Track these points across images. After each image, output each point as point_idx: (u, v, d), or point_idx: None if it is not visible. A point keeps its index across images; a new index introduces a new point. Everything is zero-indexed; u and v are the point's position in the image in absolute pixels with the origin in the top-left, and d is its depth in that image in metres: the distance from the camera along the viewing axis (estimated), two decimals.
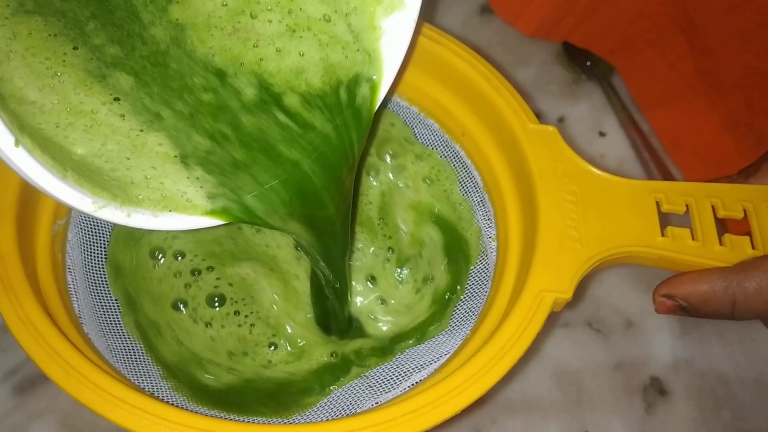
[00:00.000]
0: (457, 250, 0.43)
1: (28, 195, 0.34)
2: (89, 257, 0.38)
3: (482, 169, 0.42)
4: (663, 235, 0.36)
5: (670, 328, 0.50)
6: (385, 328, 0.44)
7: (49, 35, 0.30)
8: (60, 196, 0.27)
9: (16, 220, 0.33)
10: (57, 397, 0.43)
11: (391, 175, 0.45)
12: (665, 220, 0.37)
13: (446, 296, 0.42)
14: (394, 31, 0.34)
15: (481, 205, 0.42)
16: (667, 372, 0.48)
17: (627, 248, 0.36)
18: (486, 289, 0.39)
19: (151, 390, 0.34)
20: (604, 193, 0.38)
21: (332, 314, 0.41)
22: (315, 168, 0.32)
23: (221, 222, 0.31)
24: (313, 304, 0.42)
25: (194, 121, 0.31)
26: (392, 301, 0.45)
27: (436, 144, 0.44)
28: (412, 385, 0.36)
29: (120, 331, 0.37)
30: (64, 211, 0.37)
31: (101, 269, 0.38)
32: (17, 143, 0.24)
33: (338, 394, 0.37)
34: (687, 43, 0.59)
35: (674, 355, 0.49)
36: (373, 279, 0.45)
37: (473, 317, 0.38)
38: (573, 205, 0.37)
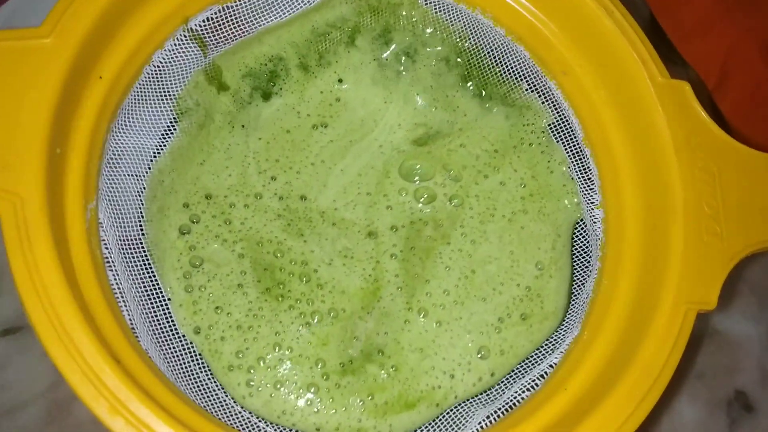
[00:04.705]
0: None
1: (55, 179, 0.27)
2: (125, 239, 0.31)
3: (585, 117, 0.35)
4: None
5: (758, 337, 0.45)
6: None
7: None
8: None
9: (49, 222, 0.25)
10: None
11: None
12: None
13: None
14: None
15: (578, 158, 0.36)
16: (754, 386, 0.44)
17: None
18: (591, 270, 0.34)
19: (209, 409, 0.29)
20: (746, 172, 0.31)
21: None
22: None
23: None
24: None
25: None
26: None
27: (522, 76, 0.37)
28: (524, 391, 0.31)
29: (173, 331, 0.31)
30: (92, 191, 0.29)
31: (142, 252, 0.32)
32: None
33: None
34: None
35: (762, 368, 0.45)
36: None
37: (579, 306, 0.33)
38: (709, 186, 0.31)
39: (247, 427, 0.30)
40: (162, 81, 0.33)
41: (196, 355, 0.31)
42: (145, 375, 0.25)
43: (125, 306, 0.28)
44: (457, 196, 0.36)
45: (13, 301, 0.38)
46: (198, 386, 0.30)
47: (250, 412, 0.30)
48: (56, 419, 0.36)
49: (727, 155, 0.31)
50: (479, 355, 0.33)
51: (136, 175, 0.32)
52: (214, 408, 0.29)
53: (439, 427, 0.31)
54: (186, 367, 0.30)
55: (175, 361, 0.30)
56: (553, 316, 0.34)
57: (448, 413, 0.31)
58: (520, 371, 0.32)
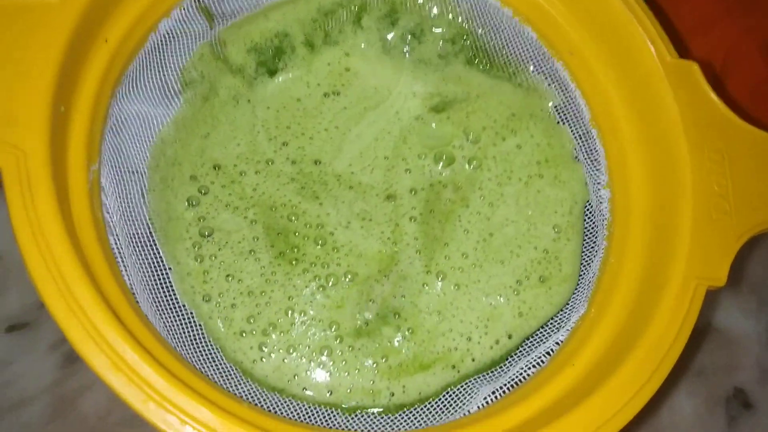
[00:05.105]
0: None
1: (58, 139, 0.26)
2: (127, 206, 0.30)
3: (591, 98, 0.34)
4: None
5: (757, 336, 0.45)
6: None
7: None
8: None
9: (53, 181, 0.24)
10: None
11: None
12: None
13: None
14: None
15: (585, 140, 0.35)
16: (753, 384, 0.43)
17: None
18: (597, 250, 0.34)
19: (212, 376, 0.29)
20: (756, 153, 0.31)
21: None
22: None
23: None
24: None
25: None
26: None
27: (529, 58, 0.36)
28: (530, 368, 0.30)
29: (174, 299, 0.31)
30: (95, 154, 0.29)
31: (144, 220, 0.31)
32: None
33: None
34: None
35: (761, 366, 0.44)
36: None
37: (585, 285, 0.33)
38: (719, 166, 0.30)
39: (245, 393, 0.29)
40: (167, 50, 0.32)
41: (196, 326, 0.30)
42: (144, 337, 0.25)
43: (125, 270, 0.27)
44: (475, 158, 0.36)
45: (18, 297, 0.38)
46: (197, 353, 0.29)
47: (251, 381, 0.29)
48: (60, 415, 0.35)
49: (736, 135, 0.31)
50: (497, 317, 0.32)
51: (140, 144, 0.31)
52: (210, 371, 0.28)
53: (443, 402, 0.30)
54: (186, 336, 0.29)
55: (175, 330, 0.29)
56: (571, 279, 0.33)
57: (453, 389, 0.31)
58: (528, 346, 0.32)
